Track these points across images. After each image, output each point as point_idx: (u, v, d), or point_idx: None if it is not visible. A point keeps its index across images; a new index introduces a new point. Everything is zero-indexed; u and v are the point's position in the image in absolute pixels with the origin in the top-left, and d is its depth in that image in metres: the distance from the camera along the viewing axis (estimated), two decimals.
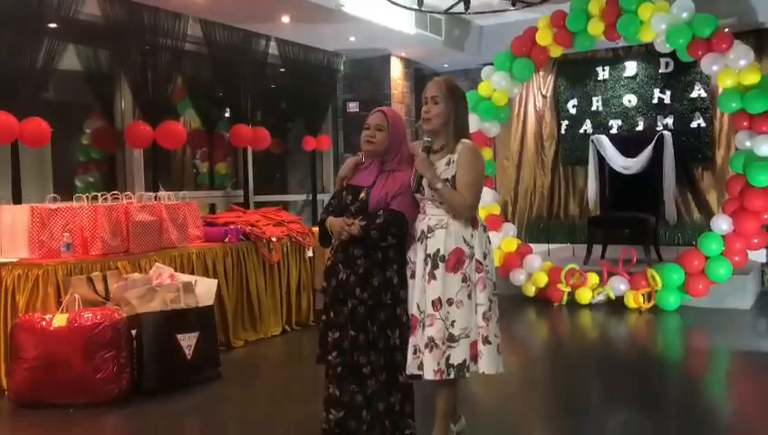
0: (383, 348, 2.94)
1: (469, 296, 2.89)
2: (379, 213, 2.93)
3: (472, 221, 2.95)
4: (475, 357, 2.89)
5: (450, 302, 2.87)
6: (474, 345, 2.88)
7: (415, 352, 2.90)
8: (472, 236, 2.93)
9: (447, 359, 2.85)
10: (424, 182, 2.92)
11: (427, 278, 2.90)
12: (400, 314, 2.97)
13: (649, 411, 3.89)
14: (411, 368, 2.90)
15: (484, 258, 2.95)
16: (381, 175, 3.01)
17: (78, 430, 3.77)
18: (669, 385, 4.51)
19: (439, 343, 2.84)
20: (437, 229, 2.91)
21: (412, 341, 2.92)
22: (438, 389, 3.02)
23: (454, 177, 2.91)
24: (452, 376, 2.86)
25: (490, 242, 3.06)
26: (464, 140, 2.97)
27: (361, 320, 2.93)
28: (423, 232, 2.95)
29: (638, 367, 4.86)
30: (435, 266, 2.89)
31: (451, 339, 2.86)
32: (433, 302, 2.87)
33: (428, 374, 2.85)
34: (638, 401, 4.07)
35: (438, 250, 2.89)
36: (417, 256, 2.96)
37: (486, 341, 2.89)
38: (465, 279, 2.89)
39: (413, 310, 2.94)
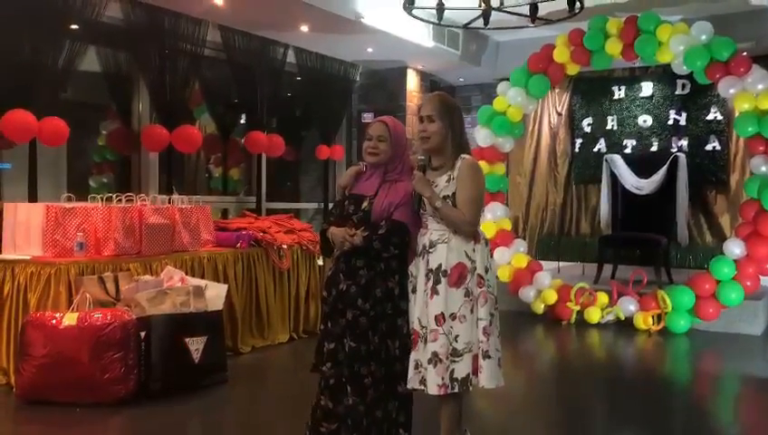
0: (384, 358, 2.93)
1: (471, 311, 2.88)
2: (382, 223, 2.91)
3: (474, 235, 2.93)
4: (476, 371, 2.87)
5: (453, 317, 2.85)
6: (475, 359, 2.87)
7: (416, 367, 2.89)
8: (474, 250, 2.91)
9: (452, 373, 2.84)
10: (424, 200, 2.92)
11: (429, 293, 2.88)
12: (401, 325, 2.96)
13: (655, 433, 3.86)
14: (413, 383, 2.89)
15: (486, 272, 2.93)
16: (384, 185, 3.00)
17: (82, 430, 3.78)
18: (676, 408, 4.47)
19: (443, 358, 2.83)
20: (439, 244, 2.90)
21: (413, 356, 2.90)
22: (442, 404, 3.00)
23: (454, 193, 2.89)
24: (456, 390, 2.85)
25: (491, 256, 3.05)
26: (463, 156, 2.95)
27: (363, 331, 2.92)
28: (424, 247, 2.94)
29: (646, 389, 4.82)
30: (437, 282, 2.87)
31: (455, 354, 2.84)
32: (436, 317, 2.85)
33: (432, 390, 2.84)
34: (643, 423, 4.03)
35: (440, 265, 2.88)
36: (418, 270, 2.95)
37: (487, 355, 2.86)
38: (467, 294, 2.87)
39: (414, 325, 2.92)
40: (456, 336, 2.85)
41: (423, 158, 2.97)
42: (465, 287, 2.87)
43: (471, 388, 2.88)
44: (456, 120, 2.98)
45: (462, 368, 2.84)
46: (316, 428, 2.98)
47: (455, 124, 2.96)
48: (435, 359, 2.83)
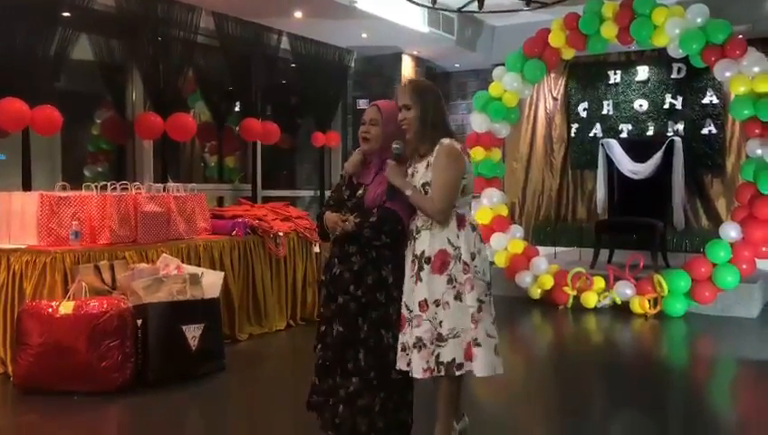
0: (374, 347, 2.94)
1: (456, 297, 2.85)
2: (374, 211, 2.92)
3: (459, 221, 2.89)
4: (469, 358, 2.85)
5: (437, 303, 2.85)
6: (468, 347, 2.85)
7: (403, 349, 2.90)
8: (458, 236, 2.88)
9: (437, 357, 2.83)
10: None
11: (414, 279, 2.90)
12: (392, 314, 2.96)
13: (652, 417, 3.88)
14: (400, 364, 2.90)
15: (473, 259, 2.88)
16: (380, 172, 3.00)
17: (80, 418, 3.78)
18: (673, 391, 4.49)
19: (428, 343, 2.84)
20: (423, 230, 2.90)
21: (401, 338, 2.92)
22: (438, 387, 3.00)
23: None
24: (442, 373, 2.84)
25: (482, 241, 3.00)
26: (442, 141, 2.90)
27: (351, 316, 2.94)
28: (412, 232, 2.95)
29: (642, 372, 4.84)
30: (420, 268, 2.88)
31: (440, 339, 2.84)
32: (419, 303, 2.86)
33: (417, 373, 2.85)
34: (641, 407, 4.05)
35: (423, 252, 2.88)
36: (407, 255, 2.96)
37: (476, 343, 2.84)
38: (450, 280, 2.85)
39: (402, 309, 2.93)
40: (441, 322, 2.84)
41: (398, 147, 2.95)
42: (447, 274, 2.86)
43: (457, 372, 2.85)
44: (431, 104, 2.93)
45: (447, 352, 2.83)
46: (308, 399, 3.11)
47: (428, 108, 2.92)
48: (419, 344, 2.84)
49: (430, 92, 2.98)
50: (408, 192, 2.86)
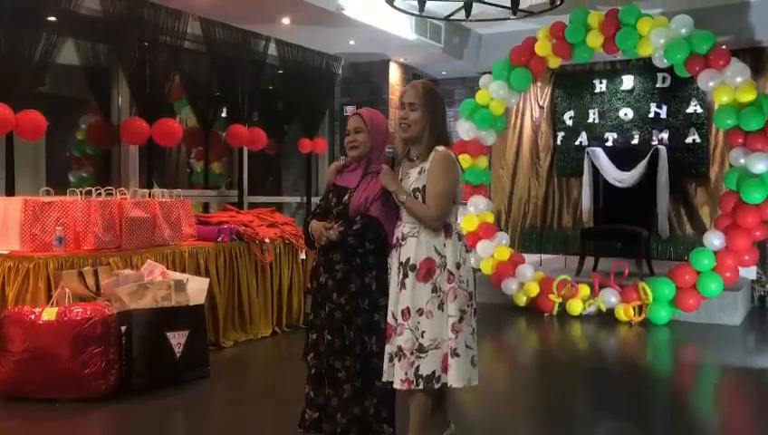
0: (359, 353, 2.94)
1: (440, 307, 2.82)
2: (357, 219, 2.92)
3: (445, 229, 2.87)
4: (445, 369, 2.82)
5: (420, 312, 2.81)
6: (445, 357, 2.82)
7: (390, 360, 2.88)
8: (444, 245, 2.85)
9: (417, 369, 2.79)
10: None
11: (399, 287, 2.87)
12: (378, 320, 2.95)
13: (636, 424, 3.90)
14: (387, 375, 2.89)
15: (458, 268, 2.85)
16: (365, 177, 3.01)
17: (63, 425, 3.74)
18: (657, 398, 4.51)
19: (407, 352, 2.80)
20: (409, 238, 2.87)
21: (387, 348, 2.89)
22: (410, 400, 2.93)
23: (425, 186, 2.83)
24: (420, 387, 2.80)
25: (467, 250, 2.98)
26: (437, 148, 2.87)
27: (338, 325, 2.94)
28: (398, 239, 2.91)
29: (627, 380, 4.87)
30: (405, 275, 2.84)
31: (420, 350, 2.80)
32: (402, 311, 2.83)
33: (396, 383, 2.82)
34: (625, 414, 4.07)
35: (409, 259, 2.85)
36: (393, 262, 2.93)
37: (455, 353, 2.80)
38: (435, 289, 2.82)
39: (389, 317, 2.90)
40: (423, 332, 2.81)
41: (391, 151, 2.93)
42: (432, 283, 2.83)
43: (437, 385, 2.82)
44: (438, 111, 2.93)
45: (427, 364, 2.80)
46: (302, 414, 3.08)
47: (436, 114, 2.91)
48: (399, 353, 2.81)
49: (439, 99, 2.96)
50: (403, 198, 2.83)
